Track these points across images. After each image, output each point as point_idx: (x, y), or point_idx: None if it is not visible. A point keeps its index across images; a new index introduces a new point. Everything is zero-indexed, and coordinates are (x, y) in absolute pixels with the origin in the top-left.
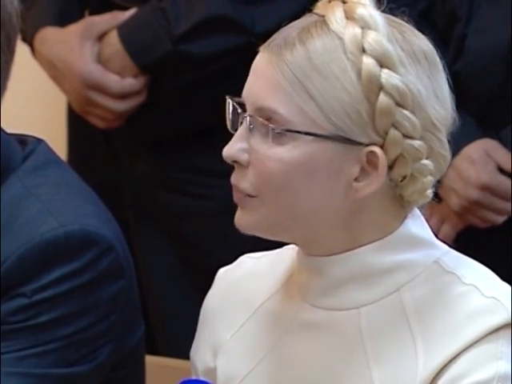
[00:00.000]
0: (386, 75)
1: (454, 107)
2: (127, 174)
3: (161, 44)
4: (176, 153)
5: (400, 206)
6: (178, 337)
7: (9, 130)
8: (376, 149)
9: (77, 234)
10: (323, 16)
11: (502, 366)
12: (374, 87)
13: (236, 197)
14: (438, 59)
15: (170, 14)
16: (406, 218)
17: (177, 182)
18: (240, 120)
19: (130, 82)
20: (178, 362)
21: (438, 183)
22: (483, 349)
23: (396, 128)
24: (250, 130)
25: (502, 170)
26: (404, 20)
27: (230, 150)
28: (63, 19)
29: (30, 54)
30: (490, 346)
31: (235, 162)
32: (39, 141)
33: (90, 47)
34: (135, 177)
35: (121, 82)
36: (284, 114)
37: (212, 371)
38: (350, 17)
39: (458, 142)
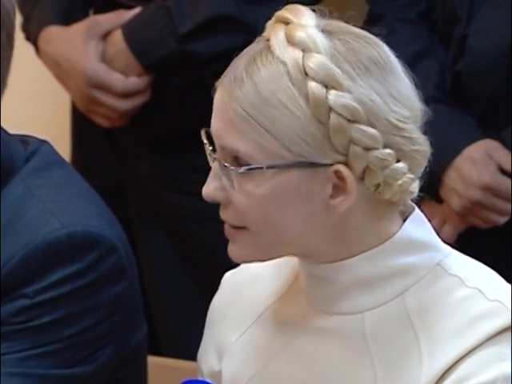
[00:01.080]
0: (332, 96)
1: (419, 97)
2: (130, 174)
3: (165, 43)
4: (179, 152)
5: (388, 206)
6: (180, 337)
7: (12, 130)
8: (340, 167)
9: (79, 235)
10: (268, 40)
11: (505, 368)
12: (322, 110)
13: (227, 232)
14: (390, 60)
15: (175, 13)
16: (404, 220)
17: (180, 182)
18: (211, 158)
19: (134, 81)
20: (181, 362)
21: (439, 184)
22: (487, 352)
23: (355, 144)
24: (221, 169)
25: (503, 171)
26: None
27: (207, 190)
28: (67, 18)
29: (33, 53)
30: (493, 349)
31: (215, 200)
32: (42, 141)
33: (94, 46)
34: (138, 176)
35: (125, 81)
36: (244, 152)
37: (217, 374)
38: (290, 41)
39: (459, 142)
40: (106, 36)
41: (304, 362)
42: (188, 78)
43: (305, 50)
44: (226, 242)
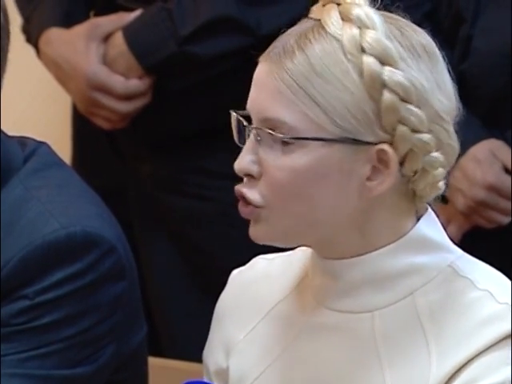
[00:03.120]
0: (388, 72)
1: (458, 97)
2: (131, 176)
3: (166, 45)
4: (180, 154)
5: (411, 202)
6: (182, 338)
7: (13, 132)
8: (385, 146)
9: (78, 235)
10: (319, 20)
11: None
12: (377, 85)
13: (245, 211)
14: (437, 51)
15: (176, 15)
16: (419, 219)
17: (181, 184)
18: (247, 133)
19: (135, 83)
20: (182, 363)
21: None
22: (496, 355)
23: (403, 124)
24: (258, 142)
25: (507, 171)
26: (400, 15)
27: (241, 163)
28: (68, 20)
29: (34, 55)
30: (502, 352)
31: (247, 174)
32: (40, 143)
33: (95, 48)
34: (139, 178)
35: (126, 83)
36: (289, 123)
37: (224, 372)
38: (346, 18)
39: (463, 142)
40: (106, 38)
41: (311, 361)
42: (189, 80)
43: (361, 26)
44: (225, 244)
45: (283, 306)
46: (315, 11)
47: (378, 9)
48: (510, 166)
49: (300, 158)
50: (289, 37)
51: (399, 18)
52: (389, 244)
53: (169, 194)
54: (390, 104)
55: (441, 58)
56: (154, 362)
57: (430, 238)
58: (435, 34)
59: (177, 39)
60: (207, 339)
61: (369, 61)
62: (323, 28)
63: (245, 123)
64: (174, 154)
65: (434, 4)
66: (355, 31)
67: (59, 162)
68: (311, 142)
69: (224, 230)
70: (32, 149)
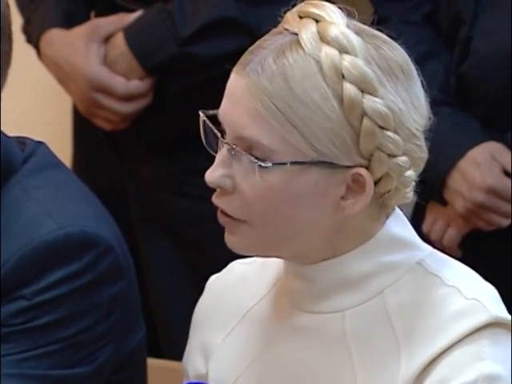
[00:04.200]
0: (367, 101)
1: (429, 107)
2: (132, 176)
3: (167, 46)
4: (181, 155)
5: (381, 209)
6: (182, 340)
7: (14, 132)
8: (362, 171)
9: (76, 235)
10: (296, 35)
11: (487, 367)
12: (356, 113)
13: (222, 220)
14: (412, 67)
15: (176, 16)
16: (386, 218)
17: (181, 185)
18: (220, 144)
19: (136, 84)
20: (182, 364)
21: (443, 186)
22: (464, 350)
23: (381, 150)
24: (232, 157)
25: (507, 173)
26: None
27: (213, 177)
28: (69, 21)
29: (35, 56)
30: (471, 348)
31: (219, 187)
32: (39, 143)
33: (96, 49)
34: (140, 179)
35: (127, 84)
36: (267, 145)
37: (203, 376)
38: (324, 38)
39: (463, 144)
40: (107, 39)
41: (286, 362)
42: (190, 81)
43: (340, 50)
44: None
45: (259, 309)
46: (291, 22)
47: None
48: (509, 169)
49: (275, 180)
50: (266, 52)
51: (376, 33)
52: (358, 246)
53: (169, 194)
54: (370, 132)
55: (415, 73)
56: (153, 363)
57: (397, 237)
58: (435, 36)
59: (177, 40)
60: (186, 346)
61: (348, 88)
62: (301, 46)
63: (218, 135)
64: (175, 155)
65: (434, 5)
66: (334, 55)
67: (57, 162)
68: (290, 166)
69: (224, 230)
70: (31, 149)
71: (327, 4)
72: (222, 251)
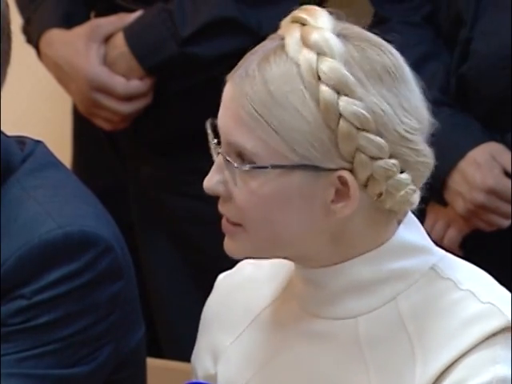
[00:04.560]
0: (343, 103)
1: (428, 110)
2: (132, 176)
3: (167, 46)
4: (181, 155)
5: (388, 215)
6: (182, 340)
7: (13, 132)
8: (345, 173)
9: (75, 235)
10: (283, 39)
11: (500, 370)
12: (332, 115)
13: (224, 226)
14: (404, 70)
15: (176, 16)
16: (399, 225)
17: (181, 184)
18: (216, 150)
19: (136, 84)
20: (182, 364)
21: (444, 187)
22: (480, 354)
23: (362, 152)
24: (225, 163)
25: (507, 174)
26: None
27: (209, 183)
28: (69, 21)
29: (35, 56)
30: (487, 352)
31: (215, 193)
32: (37, 142)
33: (96, 49)
34: (140, 179)
35: (126, 84)
36: (250, 149)
37: (212, 378)
38: (305, 42)
39: (463, 145)
40: (107, 39)
41: (298, 367)
42: (190, 81)
43: (319, 53)
44: None
45: (269, 313)
46: (283, 27)
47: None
48: (509, 170)
49: (261, 186)
50: (253, 57)
51: (367, 36)
52: (368, 251)
53: (169, 194)
54: (347, 134)
55: (408, 77)
56: (153, 363)
57: (410, 243)
58: (435, 37)
59: (177, 40)
60: (195, 344)
61: (324, 90)
62: (284, 50)
63: (213, 143)
64: (175, 155)
65: (434, 6)
66: (312, 57)
67: (56, 162)
68: (271, 169)
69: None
70: (30, 149)
71: (318, 9)
72: (222, 251)
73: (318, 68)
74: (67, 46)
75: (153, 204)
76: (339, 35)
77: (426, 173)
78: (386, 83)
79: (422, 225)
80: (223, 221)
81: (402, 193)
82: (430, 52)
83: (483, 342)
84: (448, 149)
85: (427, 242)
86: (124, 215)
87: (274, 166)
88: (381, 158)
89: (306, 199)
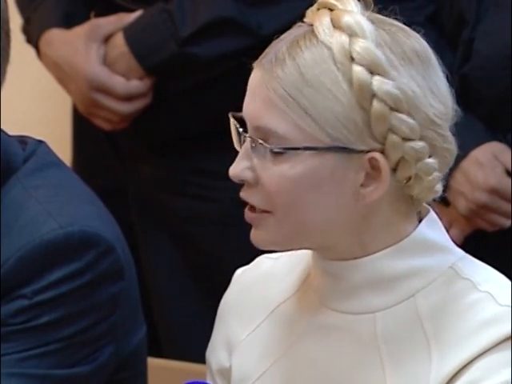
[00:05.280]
0: (377, 82)
1: (454, 100)
2: (132, 176)
3: (166, 46)
4: (180, 155)
5: (410, 205)
6: (182, 339)
7: (14, 132)
8: (376, 155)
9: (77, 235)
10: (312, 25)
11: None
12: (366, 95)
13: (248, 217)
14: (431, 55)
15: (176, 16)
16: (420, 221)
17: (181, 184)
18: (242, 138)
19: (136, 84)
20: (183, 364)
21: (446, 186)
22: (496, 357)
23: (394, 133)
24: (252, 149)
25: (509, 174)
26: (395, 18)
27: (236, 170)
28: (69, 21)
29: (34, 56)
30: (502, 354)
31: (242, 180)
32: (39, 142)
33: (95, 49)
34: (140, 179)
35: (126, 84)
36: (281, 132)
37: (227, 371)
38: (336, 25)
39: (465, 145)
40: (107, 39)
41: (313, 360)
42: (189, 81)
43: (351, 34)
44: (226, 244)
45: (287, 306)
46: (310, 15)
47: (379, 11)
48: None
49: (293, 168)
50: (281, 43)
51: (393, 22)
52: (389, 246)
53: (169, 194)
54: (380, 114)
55: (435, 62)
56: (153, 362)
57: (431, 240)
58: (438, 37)
59: (177, 40)
60: (210, 338)
61: (358, 70)
62: (314, 35)
63: (240, 130)
64: (175, 155)
65: (437, 6)
66: (345, 39)
67: (58, 161)
68: (302, 151)
69: (225, 230)
70: (32, 149)
71: None
72: (223, 251)
73: (352, 48)
74: (67, 46)
75: (153, 204)
76: (368, 19)
77: (450, 160)
78: (415, 66)
79: None
80: (247, 211)
81: (430, 178)
82: (433, 52)
83: (499, 344)
84: None
85: (448, 240)
86: (124, 215)
87: (307, 148)
88: (412, 140)
89: (336, 182)
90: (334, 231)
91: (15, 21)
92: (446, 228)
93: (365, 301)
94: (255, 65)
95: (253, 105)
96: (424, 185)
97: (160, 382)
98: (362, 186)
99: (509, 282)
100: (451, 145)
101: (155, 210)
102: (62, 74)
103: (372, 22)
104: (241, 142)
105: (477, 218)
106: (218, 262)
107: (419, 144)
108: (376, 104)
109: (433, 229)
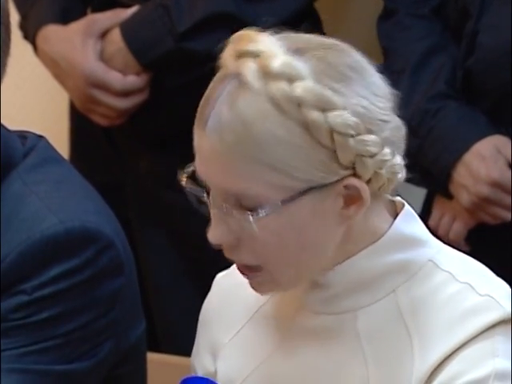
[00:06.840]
0: (331, 118)
1: (388, 83)
2: (129, 172)
3: (163, 41)
4: (178, 150)
5: (376, 199)
6: (180, 334)
7: (11, 128)
8: (351, 180)
9: (77, 230)
10: (240, 77)
11: (499, 364)
12: (324, 133)
13: (239, 271)
14: (359, 57)
15: (173, 11)
16: (395, 217)
17: (179, 180)
18: (209, 203)
19: (133, 80)
20: (181, 359)
21: (449, 179)
22: (478, 347)
23: (361, 155)
24: (225, 213)
25: None
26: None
27: (216, 238)
28: (66, 17)
29: (31, 52)
30: (485, 344)
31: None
32: (39, 137)
33: (92, 45)
34: (138, 175)
35: (123, 80)
36: (254, 194)
37: (212, 375)
38: (267, 74)
39: (468, 138)
40: (104, 35)
41: (297, 362)
42: (187, 76)
43: (288, 79)
44: None
45: (268, 309)
46: (230, 63)
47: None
48: None
49: (274, 221)
50: (218, 104)
51: (315, 41)
52: (367, 247)
53: (167, 190)
54: (344, 145)
55: (364, 61)
56: (152, 357)
57: (408, 235)
58: (443, 29)
59: (174, 35)
60: (194, 343)
61: (309, 113)
62: (249, 89)
63: (205, 199)
64: (172, 151)
65: None
66: (284, 87)
67: (58, 157)
68: (282, 205)
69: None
70: (32, 144)
71: (252, 33)
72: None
73: (294, 94)
74: (64, 42)
75: (151, 200)
76: (294, 53)
77: (403, 144)
78: (355, 81)
79: (429, 219)
80: (237, 267)
81: (400, 175)
82: (438, 45)
83: (481, 334)
84: (453, 141)
85: (426, 233)
86: (122, 211)
87: (284, 201)
88: (378, 154)
89: (319, 218)
90: (326, 254)
91: (12, 17)
92: (449, 222)
93: (347, 302)
94: (197, 127)
95: (211, 171)
96: (395, 182)
97: (158, 376)
98: (343, 208)
99: (488, 271)
100: (401, 129)
101: (153, 205)
102: (58, 69)
103: (298, 51)
104: (202, 201)
105: (479, 212)
106: (217, 258)
107: (384, 152)
108: (337, 138)
109: (409, 223)
